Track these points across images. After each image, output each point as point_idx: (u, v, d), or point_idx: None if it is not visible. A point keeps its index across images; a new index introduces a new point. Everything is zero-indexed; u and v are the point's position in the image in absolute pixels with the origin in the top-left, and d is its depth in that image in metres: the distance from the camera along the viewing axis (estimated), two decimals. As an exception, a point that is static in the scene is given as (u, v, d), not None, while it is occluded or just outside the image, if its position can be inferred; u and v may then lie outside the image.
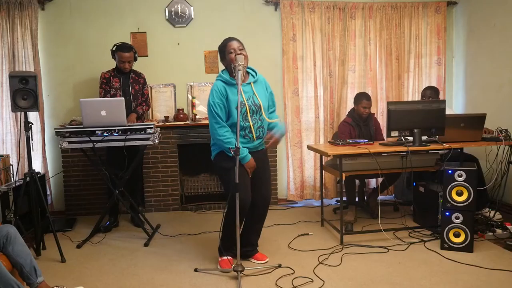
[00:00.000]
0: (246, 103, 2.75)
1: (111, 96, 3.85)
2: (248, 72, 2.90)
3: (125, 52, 3.78)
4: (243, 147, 2.75)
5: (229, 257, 2.93)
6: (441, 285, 2.61)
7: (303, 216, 4.15)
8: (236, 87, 2.71)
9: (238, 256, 2.73)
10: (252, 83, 2.85)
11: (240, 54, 2.71)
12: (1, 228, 2.36)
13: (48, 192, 4.32)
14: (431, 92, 4.09)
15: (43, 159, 4.30)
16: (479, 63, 4.56)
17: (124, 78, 3.91)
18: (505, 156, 3.50)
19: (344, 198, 3.81)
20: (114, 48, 3.84)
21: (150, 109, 4.36)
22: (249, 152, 2.79)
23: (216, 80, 2.85)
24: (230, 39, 2.82)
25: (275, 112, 3.05)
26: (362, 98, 4.00)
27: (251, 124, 2.77)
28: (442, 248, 3.14)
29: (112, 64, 3.99)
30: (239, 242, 2.71)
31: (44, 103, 4.32)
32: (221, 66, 2.98)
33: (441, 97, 4.42)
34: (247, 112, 2.76)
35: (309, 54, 4.58)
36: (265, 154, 3.01)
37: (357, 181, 4.22)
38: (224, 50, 2.80)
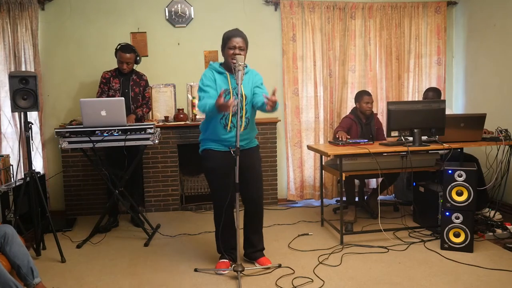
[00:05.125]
0: (231, 91, 2.71)
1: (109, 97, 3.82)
2: None
3: (125, 52, 3.77)
4: (221, 137, 2.70)
5: (225, 260, 2.92)
6: (441, 285, 2.61)
7: (303, 216, 4.15)
8: (224, 75, 2.76)
9: (238, 256, 2.73)
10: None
11: (239, 54, 2.68)
12: (-1, 228, 2.36)
13: (48, 192, 4.31)
14: (433, 94, 4.06)
15: (43, 159, 4.30)
16: (479, 63, 4.56)
17: (124, 80, 3.88)
18: (505, 156, 3.50)
19: (344, 198, 3.81)
20: (118, 47, 3.83)
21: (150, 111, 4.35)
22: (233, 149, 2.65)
23: (206, 70, 2.83)
24: (235, 34, 2.73)
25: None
26: (363, 94, 4.01)
27: (230, 113, 2.67)
28: (442, 248, 3.14)
29: (112, 64, 3.98)
30: (241, 242, 2.67)
31: (44, 103, 4.32)
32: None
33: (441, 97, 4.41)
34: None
35: (309, 54, 4.58)
36: (254, 153, 2.89)
37: (356, 181, 4.21)
38: (227, 42, 2.75)
